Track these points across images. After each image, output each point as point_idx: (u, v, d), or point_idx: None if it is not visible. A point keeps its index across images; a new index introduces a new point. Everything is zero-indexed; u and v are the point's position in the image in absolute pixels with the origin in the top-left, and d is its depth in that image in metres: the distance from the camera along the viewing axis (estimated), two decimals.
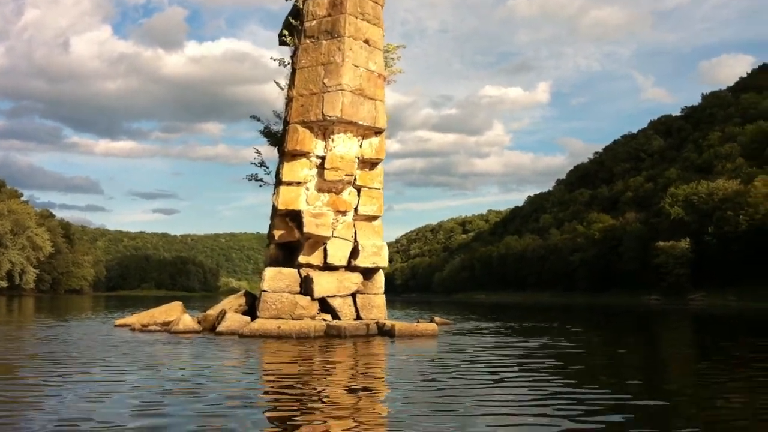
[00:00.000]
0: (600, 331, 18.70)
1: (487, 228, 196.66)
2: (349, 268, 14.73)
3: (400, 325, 13.62)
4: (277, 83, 15.75)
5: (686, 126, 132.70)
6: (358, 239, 14.80)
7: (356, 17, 13.93)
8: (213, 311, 15.07)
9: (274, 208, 14.38)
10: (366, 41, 14.07)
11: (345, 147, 14.23)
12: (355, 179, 14.51)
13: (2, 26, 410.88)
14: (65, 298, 78.77)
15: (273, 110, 15.95)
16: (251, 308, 14.81)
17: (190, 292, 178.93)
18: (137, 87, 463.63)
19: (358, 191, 14.80)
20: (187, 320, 14.38)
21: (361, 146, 14.48)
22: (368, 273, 14.91)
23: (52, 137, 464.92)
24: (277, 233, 14.55)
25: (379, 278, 15.13)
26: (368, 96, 14.03)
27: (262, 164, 15.75)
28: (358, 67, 13.87)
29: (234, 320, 13.85)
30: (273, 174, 15.55)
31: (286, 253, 15.00)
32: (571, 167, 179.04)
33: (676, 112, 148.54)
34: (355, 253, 14.69)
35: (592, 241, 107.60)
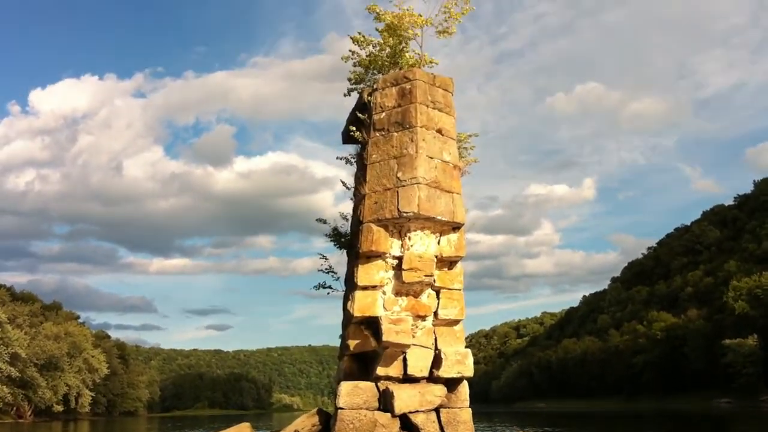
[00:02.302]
0: None
1: (543, 331, 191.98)
2: (431, 379, 13.28)
3: None
4: (344, 183, 14.98)
5: (741, 215, 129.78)
6: (439, 346, 13.41)
7: (427, 106, 13.08)
8: None
9: (348, 316, 13.16)
10: (439, 131, 13.16)
11: (423, 245, 13.08)
12: (433, 280, 13.27)
13: (58, 153, 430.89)
14: (120, 421, 77.52)
15: (339, 212, 15.09)
16: (325, 428, 13.40)
17: (244, 410, 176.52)
18: (189, 205, 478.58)
19: (437, 293, 13.52)
20: None
21: (439, 243, 13.32)
22: (452, 384, 13.41)
23: (108, 258, 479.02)
24: (352, 343, 13.25)
25: (464, 390, 13.58)
26: (445, 189, 12.99)
27: (330, 270, 14.72)
28: (432, 158, 12.91)
29: None
30: (342, 280, 14.53)
31: (361, 365, 13.65)
32: (625, 264, 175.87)
33: (728, 202, 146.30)
34: (437, 362, 13.26)
35: (654, 342, 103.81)
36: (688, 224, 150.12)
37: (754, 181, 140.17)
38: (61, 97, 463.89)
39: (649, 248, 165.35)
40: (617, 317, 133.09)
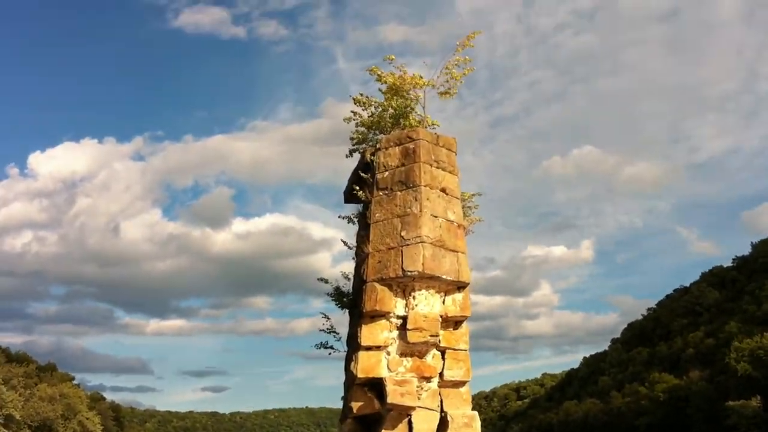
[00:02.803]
0: None
1: (543, 393, 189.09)
2: None
3: None
4: (345, 242, 14.88)
5: (740, 277, 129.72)
6: (445, 408, 13.10)
7: (431, 165, 13.07)
8: None
9: (351, 378, 12.88)
10: (443, 190, 13.12)
11: (428, 305, 12.90)
12: (439, 341, 13.04)
13: (55, 216, 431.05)
14: None
15: (341, 271, 14.95)
16: None
17: None
18: (186, 266, 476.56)
19: (442, 354, 13.27)
20: None
21: (444, 303, 13.14)
22: None
23: (104, 319, 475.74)
24: (355, 405, 12.92)
25: None
26: (449, 248, 12.88)
27: (331, 330, 14.48)
28: (436, 217, 12.84)
29: None
30: (344, 340, 14.29)
31: (364, 428, 13.30)
32: (624, 325, 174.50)
33: (726, 263, 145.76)
34: (443, 425, 12.92)
35: (657, 404, 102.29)
36: (687, 285, 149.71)
37: (751, 243, 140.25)
38: (60, 161, 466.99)
39: (648, 309, 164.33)
40: (618, 378, 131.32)
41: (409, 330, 12.64)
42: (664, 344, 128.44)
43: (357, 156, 14.81)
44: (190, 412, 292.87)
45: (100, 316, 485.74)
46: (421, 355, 13.04)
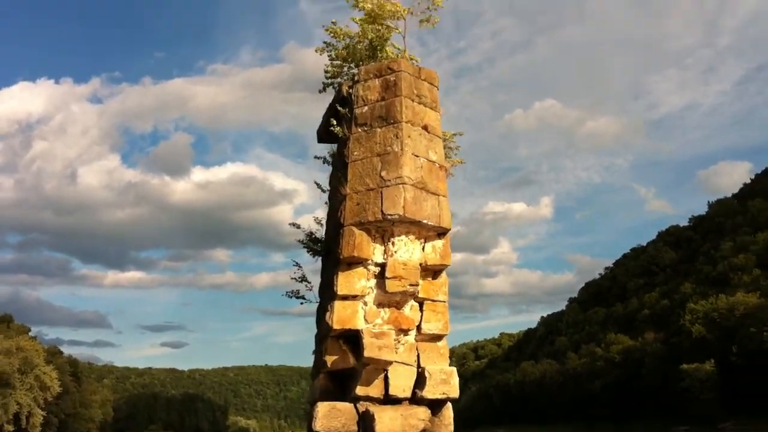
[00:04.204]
0: None
1: (501, 353, 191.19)
2: (414, 400, 12.08)
3: None
4: (318, 184, 13.86)
5: (695, 237, 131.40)
6: (422, 364, 12.24)
7: (413, 100, 12.00)
8: None
9: (326, 329, 11.89)
10: (425, 127, 12.07)
11: (407, 252, 11.92)
12: (417, 290, 12.10)
13: (11, 159, 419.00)
14: None
15: (314, 216, 13.94)
16: None
17: None
18: (145, 215, 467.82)
19: (420, 305, 12.35)
20: None
21: (423, 250, 12.17)
22: (436, 406, 12.20)
23: (61, 270, 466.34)
24: (329, 359, 11.96)
25: (449, 413, 12.36)
26: (431, 191, 11.89)
27: (303, 279, 13.49)
28: (418, 156, 11.81)
29: None
30: (316, 290, 13.33)
31: (338, 384, 12.38)
32: (581, 284, 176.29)
33: (683, 223, 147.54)
34: (420, 381, 12.06)
35: (612, 365, 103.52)
36: (644, 245, 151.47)
37: (708, 202, 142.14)
38: (16, 101, 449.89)
39: (605, 269, 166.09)
40: (575, 339, 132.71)
41: (387, 279, 11.69)
42: (620, 305, 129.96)
43: (331, 92, 13.72)
44: (149, 368, 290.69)
45: (57, 266, 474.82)
46: (399, 306, 12.12)
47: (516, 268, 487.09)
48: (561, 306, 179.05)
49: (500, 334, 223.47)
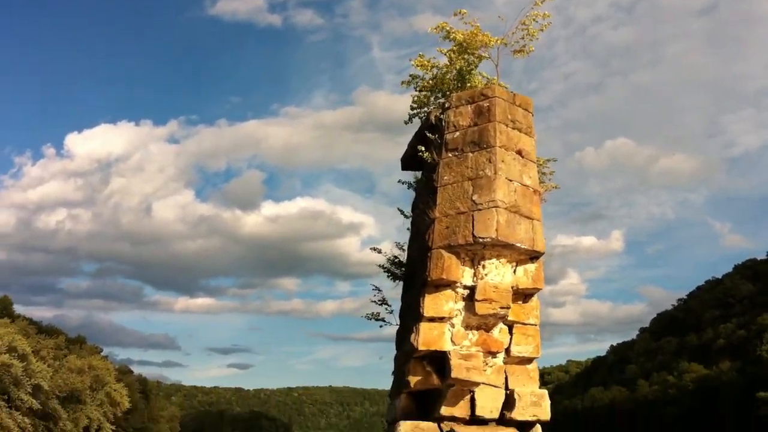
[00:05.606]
0: None
1: (568, 379, 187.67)
2: (502, 421, 12.11)
3: None
4: (401, 210, 14.27)
5: None
6: (511, 386, 12.30)
7: (506, 125, 12.13)
8: None
9: (410, 350, 12.06)
10: (518, 152, 12.17)
11: (498, 275, 12.02)
12: (507, 314, 12.20)
13: (89, 195, 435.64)
14: None
15: (395, 241, 14.34)
16: None
17: None
18: (216, 247, 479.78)
19: (510, 328, 12.44)
20: None
21: (515, 273, 12.27)
22: (524, 428, 12.21)
23: (134, 296, 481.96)
24: (413, 379, 12.11)
25: None
26: (524, 215, 11.97)
27: (383, 302, 13.88)
28: (511, 181, 11.92)
29: None
30: (396, 314, 13.61)
31: (419, 404, 12.51)
32: (653, 316, 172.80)
33: (760, 257, 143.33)
34: (509, 403, 12.12)
35: (685, 393, 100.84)
36: (719, 277, 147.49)
37: None
38: (97, 141, 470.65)
39: (679, 300, 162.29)
40: (646, 367, 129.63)
41: (477, 301, 11.78)
42: (694, 334, 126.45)
43: (417, 123, 14.02)
44: (215, 387, 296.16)
45: (130, 292, 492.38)
46: (488, 329, 12.22)
47: (585, 298, 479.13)
48: (631, 336, 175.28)
49: (567, 361, 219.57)
